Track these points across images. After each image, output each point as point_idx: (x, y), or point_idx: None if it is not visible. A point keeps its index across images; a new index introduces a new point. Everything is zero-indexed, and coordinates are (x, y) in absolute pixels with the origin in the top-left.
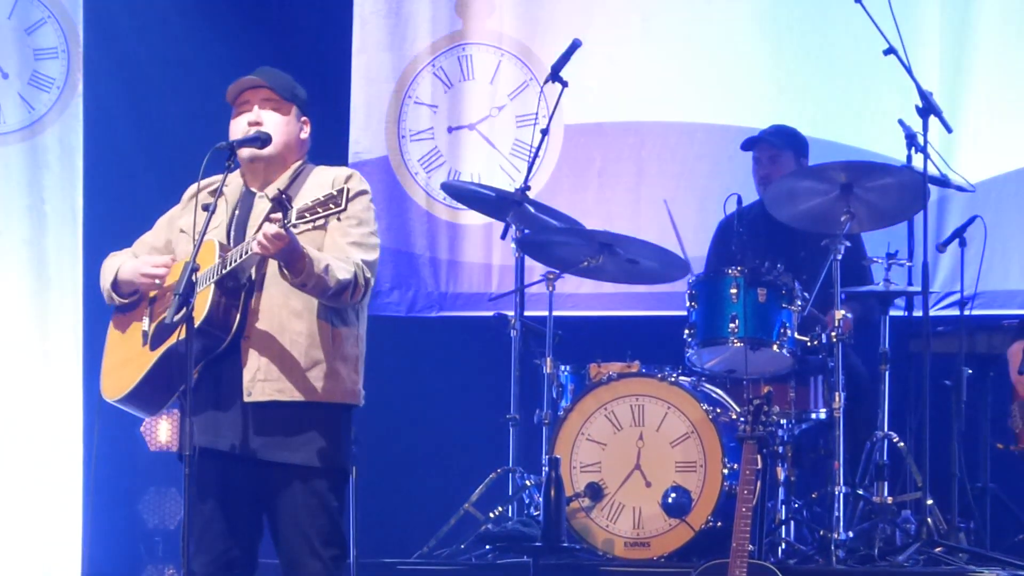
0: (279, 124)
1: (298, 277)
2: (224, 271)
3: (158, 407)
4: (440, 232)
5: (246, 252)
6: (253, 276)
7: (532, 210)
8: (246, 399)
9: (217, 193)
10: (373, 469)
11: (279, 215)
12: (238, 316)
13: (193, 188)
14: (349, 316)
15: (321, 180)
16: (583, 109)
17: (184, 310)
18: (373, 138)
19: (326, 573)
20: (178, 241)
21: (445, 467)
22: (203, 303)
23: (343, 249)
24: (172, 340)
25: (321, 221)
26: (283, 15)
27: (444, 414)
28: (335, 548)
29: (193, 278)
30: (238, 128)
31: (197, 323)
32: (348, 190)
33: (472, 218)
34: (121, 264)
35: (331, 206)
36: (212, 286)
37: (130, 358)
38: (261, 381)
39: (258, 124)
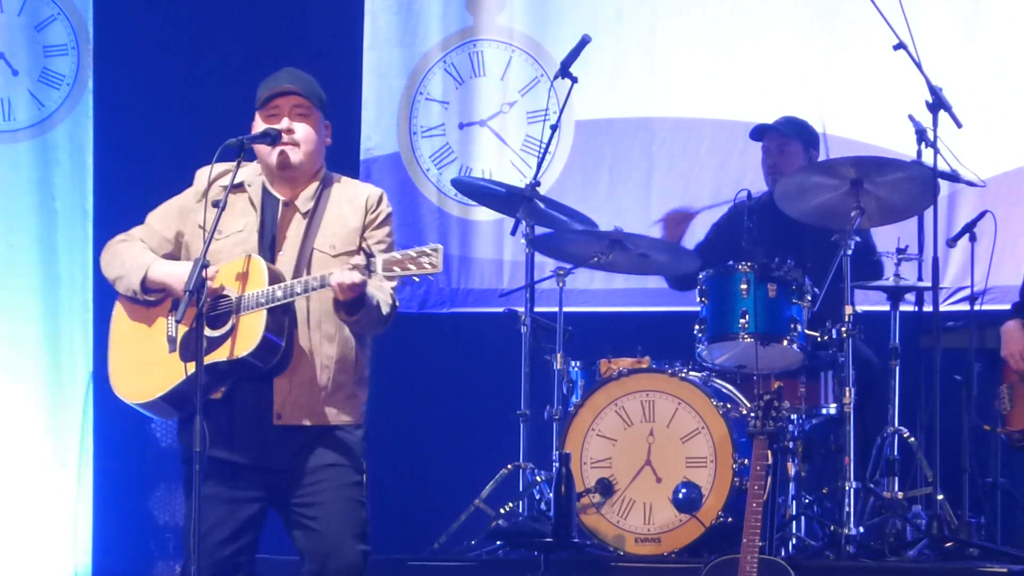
0: (310, 134)
1: (353, 316)
2: (284, 301)
3: (180, 414)
4: (451, 228)
5: (312, 288)
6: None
7: (542, 206)
8: (276, 422)
9: (228, 189)
10: (383, 465)
11: (361, 261)
12: (283, 344)
13: (203, 176)
14: (367, 339)
15: (350, 196)
16: (593, 105)
17: (196, 308)
18: (384, 134)
19: (361, 565)
20: (194, 236)
21: (455, 463)
22: (254, 331)
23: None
24: (214, 357)
25: (398, 270)
26: (294, 10)
27: (455, 410)
28: (367, 544)
29: (204, 274)
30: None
31: (248, 351)
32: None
33: (483, 214)
34: (152, 264)
35: (420, 266)
36: (264, 313)
37: (155, 362)
38: (292, 404)
39: (290, 133)
